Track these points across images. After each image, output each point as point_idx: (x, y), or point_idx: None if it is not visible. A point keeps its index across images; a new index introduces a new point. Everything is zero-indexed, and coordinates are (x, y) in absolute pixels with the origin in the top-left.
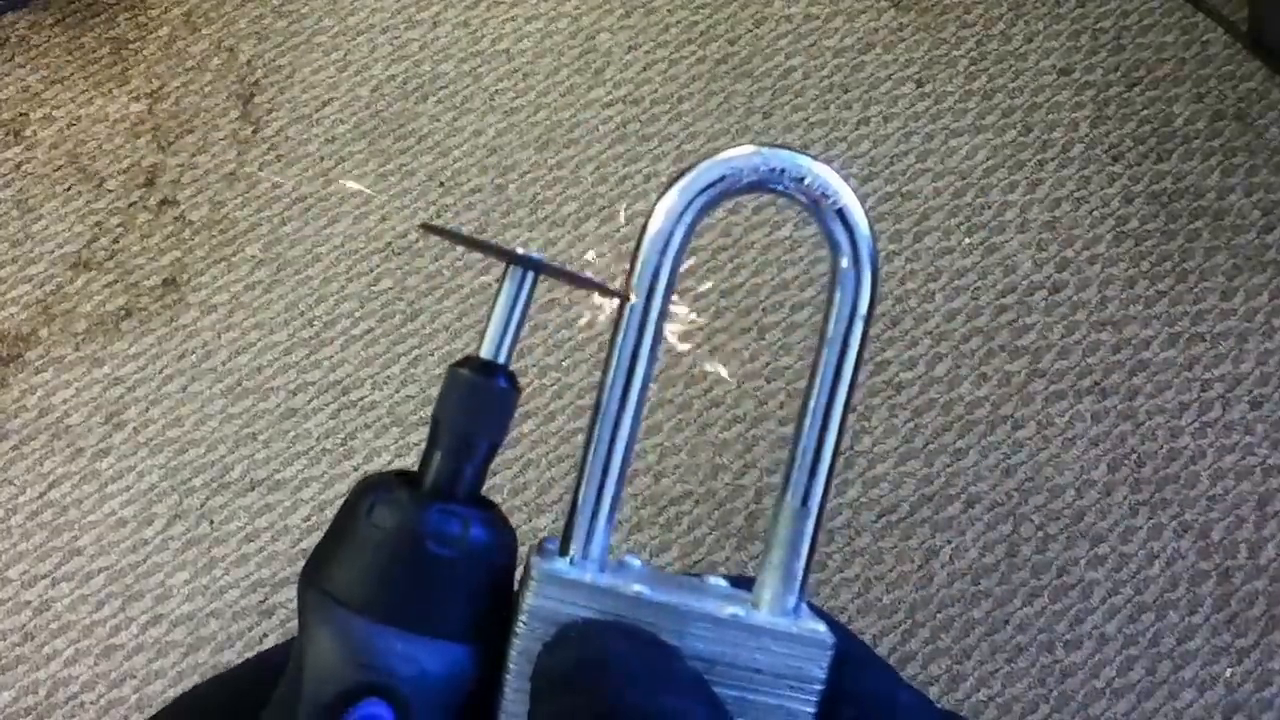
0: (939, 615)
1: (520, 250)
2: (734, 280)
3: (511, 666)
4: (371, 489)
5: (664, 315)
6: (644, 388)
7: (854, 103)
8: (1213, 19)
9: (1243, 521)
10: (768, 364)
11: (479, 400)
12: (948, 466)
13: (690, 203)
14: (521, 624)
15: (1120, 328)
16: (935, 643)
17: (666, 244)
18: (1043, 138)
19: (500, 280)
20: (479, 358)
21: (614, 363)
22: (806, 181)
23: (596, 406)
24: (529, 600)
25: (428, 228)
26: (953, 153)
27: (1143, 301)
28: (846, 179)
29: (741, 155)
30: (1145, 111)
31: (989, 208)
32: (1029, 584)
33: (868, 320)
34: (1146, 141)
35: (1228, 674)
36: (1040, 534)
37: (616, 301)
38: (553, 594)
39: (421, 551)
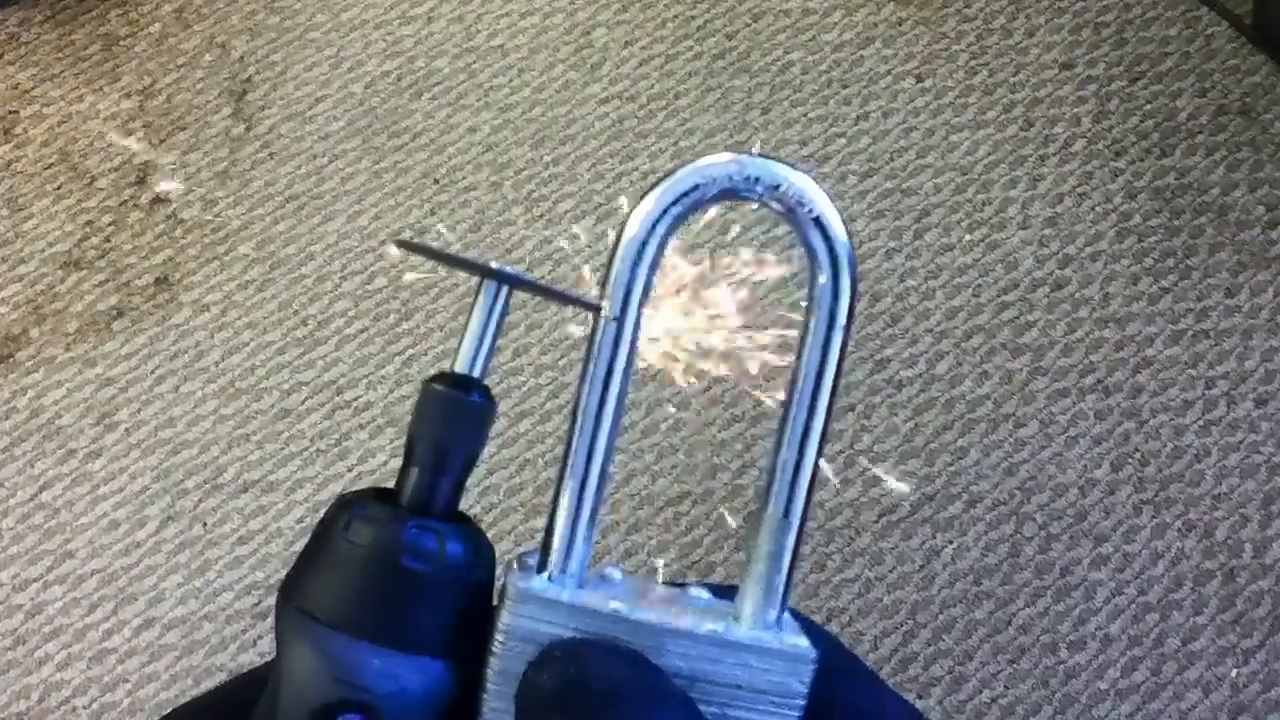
0: (941, 616)
1: (494, 265)
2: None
3: (489, 685)
4: (348, 505)
5: (638, 327)
6: (620, 401)
7: (853, 98)
8: (1216, 12)
9: (1248, 520)
10: (766, 363)
11: (454, 415)
12: (949, 465)
13: (664, 212)
14: (498, 643)
15: (1123, 325)
16: (937, 644)
17: (640, 255)
18: (1044, 133)
19: (475, 295)
20: (454, 373)
21: (589, 376)
22: (782, 190)
23: (573, 421)
24: (505, 619)
25: (402, 244)
26: (953, 148)
27: (1146, 298)
28: (826, 185)
29: (716, 164)
30: (1148, 106)
31: (990, 204)
32: (1032, 584)
33: (847, 330)
34: (1149, 137)
35: (1233, 674)
36: (1043, 534)
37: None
38: (529, 612)
39: (397, 567)
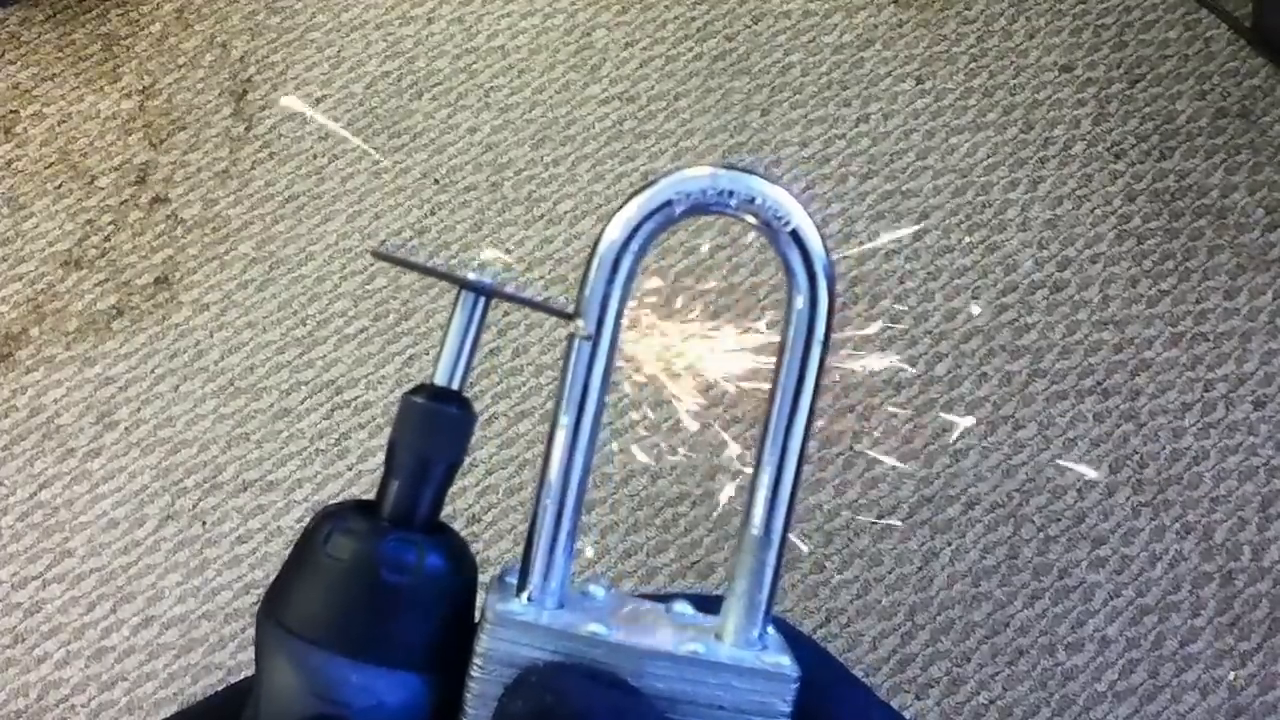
0: (939, 618)
1: (472, 275)
2: (733, 279)
3: (468, 709)
4: (329, 518)
5: (615, 343)
6: (597, 418)
7: (853, 100)
8: (1216, 15)
9: (1246, 523)
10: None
11: (433, 428)
12: (948, 467)
13: (637, 228)
14: (477, 666)
15: (1122, 327)
16: (935, 645)
17: (614, 271)
18: (1044, 135)
19: (452, 307)
20: (433, 385)
21: (565, 393)
22: (757, 203)
23: (549, 439)
24: (483, 643)
25: (379, 255)
26: (953, 150)
27: (1145, 301)
28: (803, 201)
29: (688, 178)
30: (1148, 109)
31: (990, 206)
32: (1030, 586)
33: (825, 346)
34: (1149, 139)
35: (1231, 677)
36: (1041, 535)
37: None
38: (507, 636)
39: (376, 581)
